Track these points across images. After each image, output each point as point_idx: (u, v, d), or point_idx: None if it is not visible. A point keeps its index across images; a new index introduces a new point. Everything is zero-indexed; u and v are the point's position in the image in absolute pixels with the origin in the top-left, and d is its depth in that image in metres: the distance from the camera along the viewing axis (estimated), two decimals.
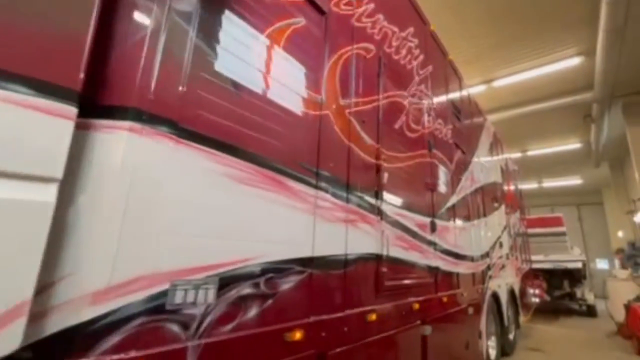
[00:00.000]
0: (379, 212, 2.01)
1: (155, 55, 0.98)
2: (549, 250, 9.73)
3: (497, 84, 7.55)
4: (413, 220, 2.46)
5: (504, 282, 5.00)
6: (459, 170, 3.74)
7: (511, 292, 5.46)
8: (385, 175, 2.12)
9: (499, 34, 6.20)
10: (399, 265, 2.17)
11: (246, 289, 1.14)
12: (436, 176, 3.01)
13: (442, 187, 3.13)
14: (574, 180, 15.82)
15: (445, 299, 2.75)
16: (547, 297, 9.01)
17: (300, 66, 1.58)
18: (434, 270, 2.66)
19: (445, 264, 2.90)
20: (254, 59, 1.33)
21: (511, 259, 6.05)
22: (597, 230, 17.84)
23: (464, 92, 4.46)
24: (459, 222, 3.42)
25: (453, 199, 3.37)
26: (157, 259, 0.91)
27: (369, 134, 2.05)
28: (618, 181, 12.84)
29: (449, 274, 2.98)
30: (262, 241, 1.24)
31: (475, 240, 3.95)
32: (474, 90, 7.39)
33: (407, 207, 2.40)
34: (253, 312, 1.15)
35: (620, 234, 13.21)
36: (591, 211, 18.60)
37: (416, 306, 2.25)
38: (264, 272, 1.21)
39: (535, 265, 9.07)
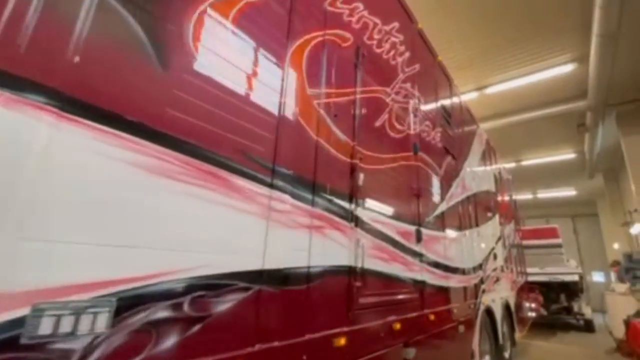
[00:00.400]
0: (353, 218, 1.77)
1: None
2: (545, 263, 9.53)
3: (490, 91, 7.44)
4: (395, 228, 2.22)
5: (498, 296, 4.75)
6: (449, 176, 3.53)
7: (506, 307, 5.21)
8: (362, 177, 1.89)
9: (492, 38, 6.09)
10: (378, 279, 1.93)
11: (161, 312, 0.89)
12: (423, 181, 2.79)
13: (429, 194, 2.91)
14: (569, 192, 15.76)
15: (432, 317, 2.49)
16: (543, 312, 8.76)
17: (254, 44, 1.36)
18: (419, 285, 2.41)
19: (432, 278, 2.66)
20: (188, 28, 1.10)
21: (506, 271, 5.82)
22: (592, 243, 17.70)
23: (455, 96, 4.29)
24: (448, 232, 3.19)
25: (442, 207, 3.15)
26: (10, 273, 0.66)
27: (342, 129, 1.83)
28: (613, 193, 12.78)
29: (437, 289, 2.73)
30: (190, 250, 0.99)
31: (467, 251, 3.72)
32: (467, 97, 7.28)
33: (388, 213, 2.16)
34: (170, 342, 0.89)
35: (615, 246, 13.08)
36: (586, 223, 18.51)
37: (397, 326, 1.99)
38: (190, 289, 0.96)
39: (531, 278, 8.85)
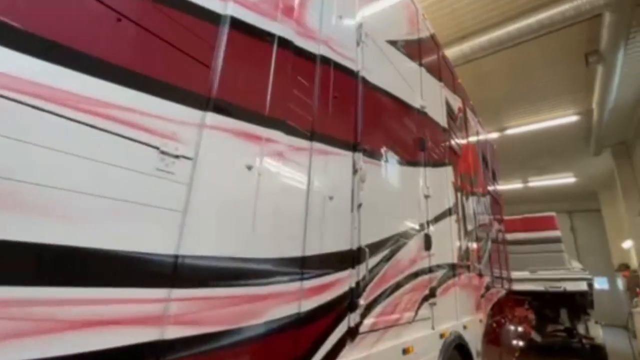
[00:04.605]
0: None
1: None
2: (538, 264, 7.05)
3: None
4: None
5: (431, 332, 2.18)
6: None
7: (458, 348, 2.65)
8: None
9: None
10: None
11: None
12: None
13: None
14: (567, 178, 13.50)
15: None
16: (536, 337, 6.26)
17: None
18: None
19: None
20: None
21: (469, 275, 3.32)
22: (593, 243, 15.61)
23: None
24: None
25: None
26: None
27: None
28: (625, 173, 10.36)
29: None
30: None
31: (278, 208, 1.12)
32: None
33: None
34: None
35: (626, 244, 10.77)
36: (586, 220, 16.41)
37: None
38: None
39: (517, 286, 6.38)
